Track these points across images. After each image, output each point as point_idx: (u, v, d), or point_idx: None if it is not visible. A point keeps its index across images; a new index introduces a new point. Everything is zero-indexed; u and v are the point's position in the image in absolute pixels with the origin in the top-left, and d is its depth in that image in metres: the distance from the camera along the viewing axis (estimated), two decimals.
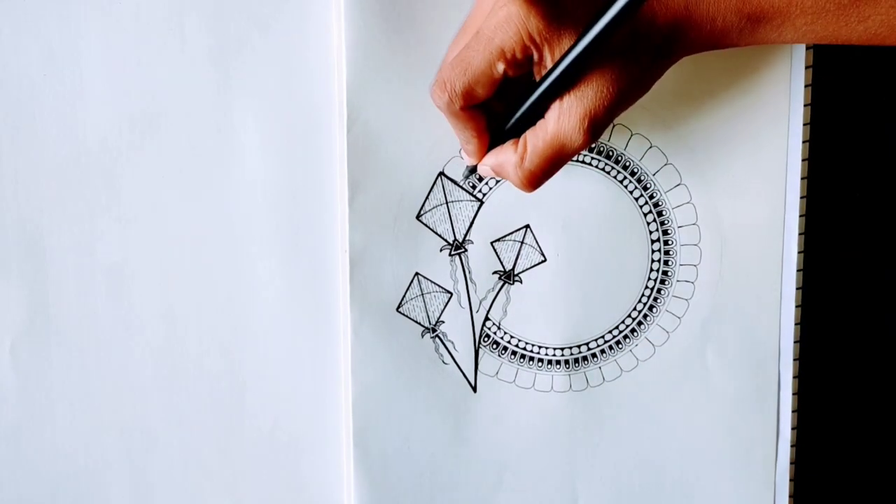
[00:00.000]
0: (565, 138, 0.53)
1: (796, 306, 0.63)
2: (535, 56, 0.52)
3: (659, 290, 0.63)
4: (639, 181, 0.61)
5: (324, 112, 0.59)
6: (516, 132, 0.55)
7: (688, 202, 0.62)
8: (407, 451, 0.62)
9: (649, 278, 0.62)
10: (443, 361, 0.62)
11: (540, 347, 0.62)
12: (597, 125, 0.52)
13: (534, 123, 0.54)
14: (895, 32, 0.53)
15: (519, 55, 0.52)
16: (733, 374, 0.64)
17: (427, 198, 0.60)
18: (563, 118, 0.52)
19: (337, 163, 0.59)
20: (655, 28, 0.52)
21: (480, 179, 0.60)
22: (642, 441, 0.64)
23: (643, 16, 0.52)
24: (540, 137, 0.53)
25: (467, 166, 0.58)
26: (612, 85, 0.52)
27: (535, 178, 0.54)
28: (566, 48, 0.51)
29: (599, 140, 0.60)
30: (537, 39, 0.51)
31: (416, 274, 0.60)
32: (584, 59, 0.51)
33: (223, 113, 0.58)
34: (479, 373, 0.62)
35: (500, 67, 0.52)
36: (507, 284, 0.61)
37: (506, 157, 0.55)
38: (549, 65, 0.51)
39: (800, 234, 0.62)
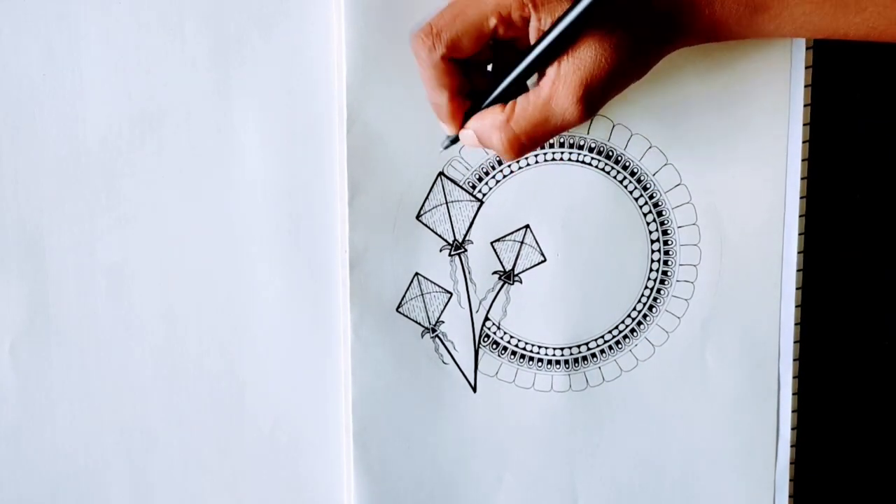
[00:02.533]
0: (558, 106, 0.52)
1: (796, 306, 0.63)
2: (533, 17, 0.51)
3: (658, 290, 0.63)
4: (638, 181, 0.61)
5: (324, 112, 0.59)
6: (503, 99, 0.53)
7: (687, 202, 0.62)
8: (407, 451, 0.62)
9: (649, 278, 0.62)
10: (443, 361, 0.62)
11: (540, 347, 0.62)
12: (592, 97, 0.51)
13: (522, 92, 0.53)
14: (893, 25, 0.53)
15: (514, 13, 0.51)
16: (733, 374, 0.64)
17: (427, 198, 0.60)
18: (559, 84, 0.51)
19: (337, 163, 0.59)
20: (656, 5, 0.52)
21: (480, 180, 0.60)
22: (642, 441, 0.64)
23: None
24: (531, 101, 0.52)
25: (448, 136, 0.56)
26: (609, 55, 0.51)
27: (519, 143, 0.53)
28: (564, 9, 0.50)
29: (600, 140, 0.60)
30: None
31: (416, 274, 0.61)
32: (581, 21, 0.50)
33: (223, 113, 0.58)
34: (479, 373, 0.62)
35: (493, 22, 0.51)
36: (506, 284, 0.61)
37: (491, 118, 0.53)
38: (545, 27, 0.51)
39: (799, 234, 0.62)
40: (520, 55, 0.52)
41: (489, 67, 0.55)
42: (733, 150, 0.61)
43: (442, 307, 0.61)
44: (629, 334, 0.63)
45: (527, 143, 0.53)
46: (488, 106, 0.54)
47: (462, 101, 0.54)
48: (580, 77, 0.51)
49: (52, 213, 0.58)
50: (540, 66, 0.52)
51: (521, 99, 0.52)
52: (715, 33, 0.54)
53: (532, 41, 0.52)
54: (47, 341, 0.59)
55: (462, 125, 0.55)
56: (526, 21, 0.51)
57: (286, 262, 0.60)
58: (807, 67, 0.60)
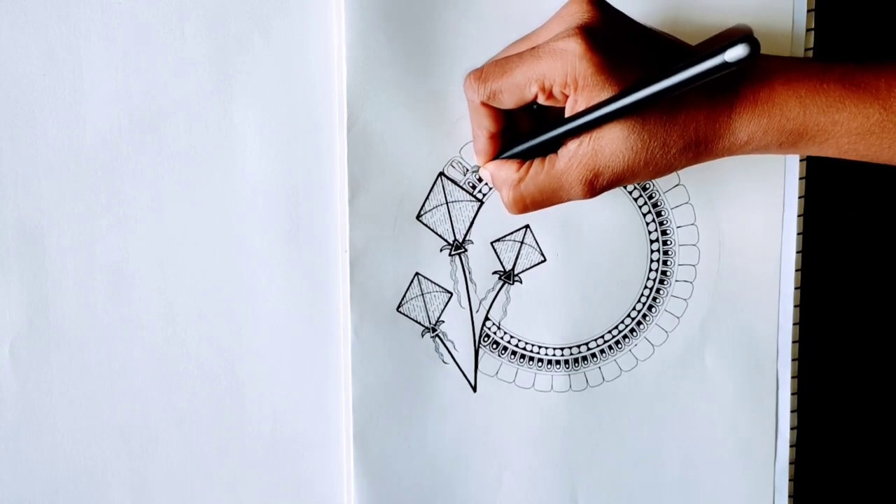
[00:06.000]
0: (566, 182, 0.53)
1: (795, 306, 0.63)
2: (571, 96, 0.52)
3: (658, 290, 0.63)
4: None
5: (324, 112, 0.59)
6: (525, 156, 0.55)
7: (686, 202, 0.62)
8: (407, 451, 0.62)
9: (648, 278, 0.62)
10: (443, 361, 0.62)
11: (540, 347, 0.62)
12: (598, 185, 0.53)
13: (545, 154, 0.54)
14: None
15: (556, 89, 0.52)
16: (732, 374, 0.64)
17: (427, 198, 0.60)
18: (573, 162, 0.53)
19: (337, 163, 0.59)
20: (694, 123, 0.52)
21: (480, 180, 0.60)
22: (642, 441, 0.64)
23: (685, 107, 0.52)
24: (545, 170, 0.54)
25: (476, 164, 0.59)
26: (631, 155, 0.52)
27: (523, 204, 0.55)
28: (602, 99, 0.51)
29: None
30: (580, 83, 0.51)
31: (416, 274, 0.61)
32: (609, 118, 0.51)
33: (223, 113, 0.58)
34: (479, 372, 0.62)
35: (534, 90, 0.52)
36: (506, 284, 0.62)
37: (506, 172, 0.55)
38: (579, 109, 0.52)
39: (798, 233, 0.62)
40: (554, 120, 0.53)
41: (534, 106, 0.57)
42: None
43: (442, 307, 0.61)
44: (629, 334, 0.63)
45: (530, 205, 0.55)
46: (511, 157, 0.56)
47: (497, 142, 0.56)
48: (594, 163, 0.52)
49: (52, 213, 0.58)
50: (564, 139, 0.53)
51: (536, 163, 0.54)
52: (753, 154, 0.54)
53: (566, 116, 0.53)
54: (47, 341, 0.59)
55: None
56: (566, 97, 0.52)
57: (286, 263, 0.60)
58: None
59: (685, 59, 0.49)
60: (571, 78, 0.51)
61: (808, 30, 0.60)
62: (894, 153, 0.54)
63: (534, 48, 0.53)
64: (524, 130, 0.56)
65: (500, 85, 0.53)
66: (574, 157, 0.53)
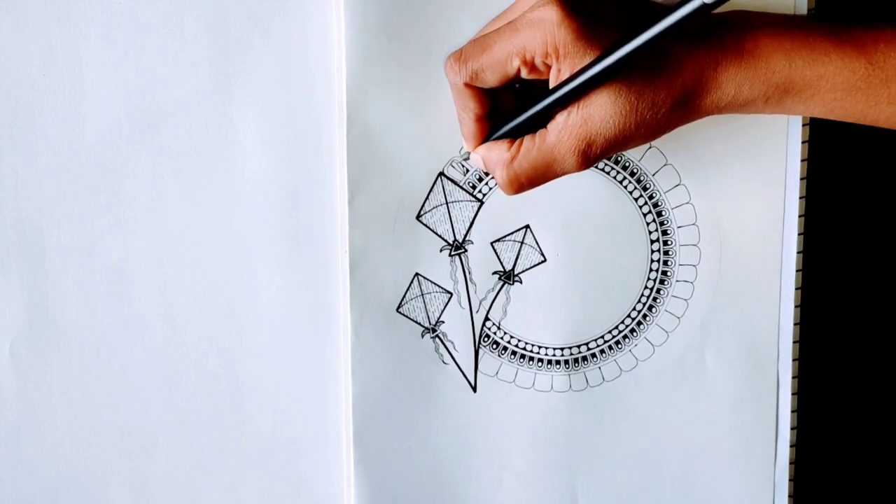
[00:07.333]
0: (559, 155, 0.53)
1: (795, 306, 0.63)
2: (554, 66, 0.51)
3: (658, 291, 0.63)
4: (638, 181, 0.61)
5: (324, 112, 0.59)
6: (515, 134, 0.55)
7: (687, 202, 0.62)
8: (407, 451, 0.62)
9: (649, 278, 0.62)
10: (443, 361, 0.62)
11: (540, 347, 0.62)
12: (592, 154, 0.52)
13: (535, 130, 0.54)
14: None
15: (538, 60, 0.51)
16: (732, 374, 0.64)
17: (427, 198, 0.60)
18: (564, 134, 0.52)
19: (337, 163, 0.59)
20: (681, 79, 0.52)
21: (480, 180, 0.60)
22: (642, 441, 0.64)
23: (670, 63, 0.52)
24: (536, 145, 0.53)
25: (467, 150, 0.58)
26: (621, 120, 0.52)
27: (519, 183, 0.54)
28: (584, 64, 0.51)
29: None
30: (561, 51, 0.51)
31: (416, 274, 0.61)
32: (595, 81, 0.50)
33: (223, 113, 0.58)
34: (479, 373, 0.62)
35: (516, 63, 0.52)
36: (506, 284, 0.61)
37: (498, 152, 0.55)
38: (563, 77, 0.51)
39: (799, 234, 0.62)
40: (539, 94, 0.53)
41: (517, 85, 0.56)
42: (733, 151, 0.61)
43: (442, 307, 0.61)
44: (629, 334, 0.63)
45: (526, 184, 0.54)
46: (500, 137, 0.55)
47: (484, 124, 0.56)
48: (585, 131, 0.52)
49: (52, 213, 0.58)
50: (552, 111, 0.53)
51: (527, 140, 0.54)
52: (739, 110, 0.54)
53: (551, 87, 0.52)
54: (47, 341, 0.59)
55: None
56: (549, 67, 0.52)
57: (286, 263, 0.60)
58: None
59: (661, 12, 0.49)
60: (552, 46, 0.51)
61: None
62: (880, 112, 0.53)
63: (511, 22, 0.52)
64: (510, 110, 0.56)
65: (480, 63, 0.53)
66: (564, 129, 0.52)
